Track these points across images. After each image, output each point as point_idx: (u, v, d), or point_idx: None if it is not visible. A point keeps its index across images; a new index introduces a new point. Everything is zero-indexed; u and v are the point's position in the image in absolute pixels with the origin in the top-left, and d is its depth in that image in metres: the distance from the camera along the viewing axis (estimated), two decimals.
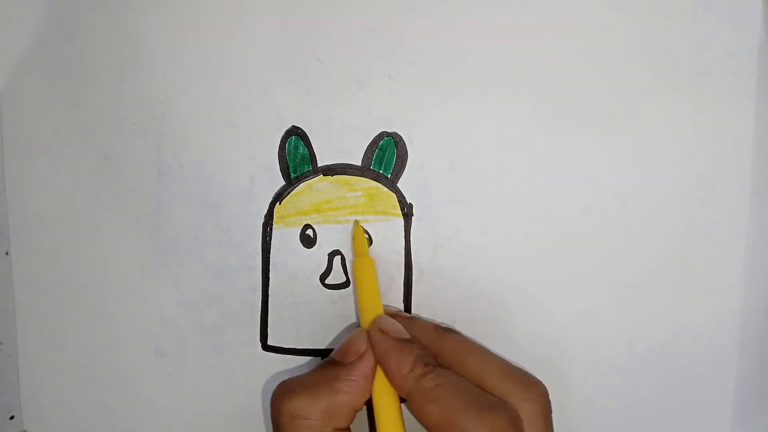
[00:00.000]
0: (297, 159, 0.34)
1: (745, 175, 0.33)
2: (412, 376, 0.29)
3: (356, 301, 0.34)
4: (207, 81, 0.34)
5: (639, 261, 0.34)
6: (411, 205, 0.34)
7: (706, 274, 0.34)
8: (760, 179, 0.33)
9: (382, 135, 0.33)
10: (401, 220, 0.34)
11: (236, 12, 0.33)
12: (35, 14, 0.34)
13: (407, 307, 0.34)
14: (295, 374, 0.34)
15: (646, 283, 0.34)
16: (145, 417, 0.35)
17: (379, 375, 0.30)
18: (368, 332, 0.31)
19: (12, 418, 0.35)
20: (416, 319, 0.33)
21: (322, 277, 0.34)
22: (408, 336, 0.31)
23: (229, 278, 0.34)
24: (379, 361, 0.30)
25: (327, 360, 0.31)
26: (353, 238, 0.34)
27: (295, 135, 0.34)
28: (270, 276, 0.34)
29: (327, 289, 0.34)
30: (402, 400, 0.30)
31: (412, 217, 0.34)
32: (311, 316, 0.34)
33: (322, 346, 0.34)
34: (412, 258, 0.34)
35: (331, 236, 0.34)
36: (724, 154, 0.33)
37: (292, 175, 0.34)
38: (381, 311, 0.32)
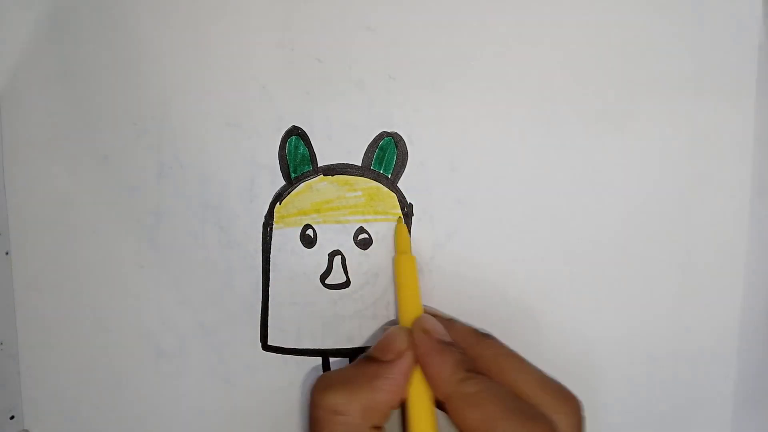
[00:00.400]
0: (297, 159, 0.34)
1: (745, 175, 0.33)
2: (453, 379, 0.28)
3: (395, 299, 0.34)
4: (207, 81, 0.34)
5: (639, 261, 0.34)
6: (411, 205, 0.34)
7: (706, 274, 0.34)
8: (760, 179, 0.33)
9: (382, 135, 0.33)
10: (402, 221, 0.34)
11: (236, 12, 0.33)
12: (35, 14, 0.34)
13: None
14: (294, 374, 0.34)
15: (646, 283, 0.34)
16: (145, 417, 0.35)
17: (416, 375, 0.30)
18: (409, 331, 0.31)
19: (12, 418, 0.35)
20: (455, 322, 0.33)
21: (323, 277, 0.34)
22: (449, 338, 0.30)
23: (229, 278, 0.34)
24: (420, 362, 0.30)
25: (365, 356, 0.31)
26: (396, 234, 0.33)
27: (296, 135, 0.34)
28: (270, 276, 0.34)
29: (327, 289, 0.34)
30: (436, 404, 0.30)
31: (412, 217, 0.34)
32: (311, 316, 0.34)
33: (323, 346, 0.34)
34: None
35: (332, 236, 0.34)
36: (724, 154, 0.33)
37: (293, 175, 0.34)
38: (421, 310, 0.32)
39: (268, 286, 0.34)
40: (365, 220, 0.34)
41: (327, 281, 0.34)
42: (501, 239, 0.34)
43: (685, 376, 0.34)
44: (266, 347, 0.34)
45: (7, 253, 0.35)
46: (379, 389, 0.29)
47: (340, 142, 0.34)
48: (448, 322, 0.32)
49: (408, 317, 0.31)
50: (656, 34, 0.33)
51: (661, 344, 0.34)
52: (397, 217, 0.34)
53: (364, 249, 0.34)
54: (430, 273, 0.34)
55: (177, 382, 0.35)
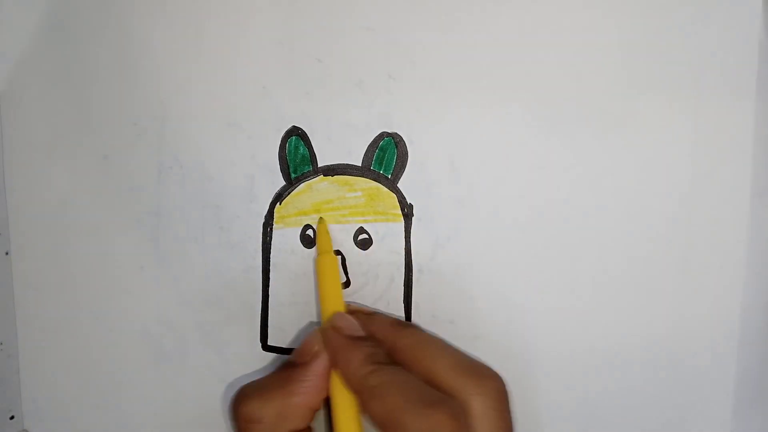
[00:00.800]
0: (297, 159, 0.34)
1: (745, 175, 0.33)
2: (359, 373, 0.29)
3: (317, 300, 0.34)
4: (207, 81, 0.34)
5: (639, 261, 0.34)
6: (411, 206, 0.34)
7: (706, 274, 0.34)
8: (760, 179, 0.33)
9: (382, 135, 0.33)
10: (402, 221, 0.34)
11: (236, 12, 0.33)
12: (35, 14, 0.34)
13: (407, 306, 0.34)
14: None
15: (647, 283, 0.34)
16: (145, 417, 0.35)
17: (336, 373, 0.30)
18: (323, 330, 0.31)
19: (12, 418, 0.35)
20: (376, 315, 0.33)
21: None
22: (362, 333, 0.31)
23: (229, 278, 0.34)
24: (331, 360, 0.30)
25: (285, 361, 0.31)
26: (317, 234, 0.34)
27: (296, 135, 0.34)
28: (270, 276, 0.34)
29: None
30: None
31: (412, 218, 0.34)
32: (311, 316, 0.34)
33: None
34: (412, 258, 0.34)
35: (332, 236, 0.34)
36: (724, 154, 0.33)
37: (293, 176, 0.34)
38: (342, 309, 0.32)
39: (268, 286, 0.34)
40: (365, 221, 0.34)
41: None
42: (501, 239, 0.34)
43: (685, 376, 0.34)
44: (266, 347, 0.34)
45: (7, 253, 0.35)
46: (293, 393, 0.29)
47: (340, 143, 0.34)
48: (368, 317, 0.32)
49: (329, 316, 0.32)
50: (656, 34, 0.33)
51: (661, 344, 0.34)
52: (318, 217, 0.34)
53: (364, 249, 0.34)
54: (430, 273, 0.34)
55: (177, 382, 0.35)
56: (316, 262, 0.33)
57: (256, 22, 0.33)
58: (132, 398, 0.35)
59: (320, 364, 0.30)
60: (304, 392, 0.29)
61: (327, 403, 0.31)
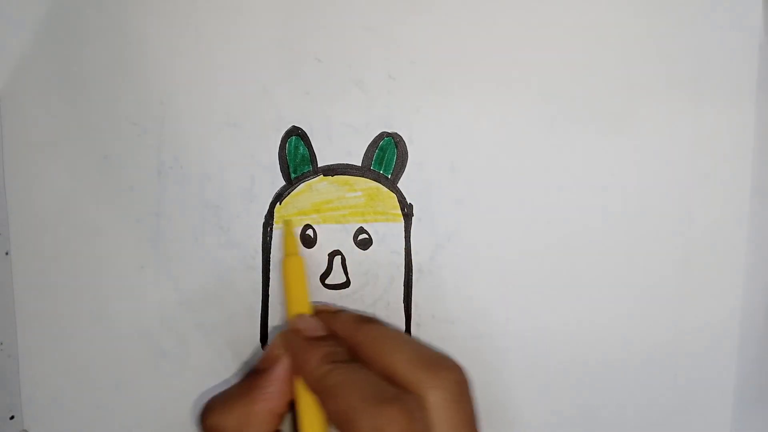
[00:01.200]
0: (297, 159, 0.34)
1: (745, 174, 0.33)
2: (316, 373, 0.28)
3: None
4: (207, 81, 0.34)
5: (639, 261, 0.34)
6: (411, 206, 0.34)
7: (706, 274, 0.34)
8: (760, 179, 0.33)
9: (382, 135, 0.33)
10: (401, 221, 0.34)
11: (236, 12, 0.33)
12: (35, 14, 0.33)
13: (407, 307, 0.34)
14: None
15: (647, 283, 0.34)
16: (145, 417, 0.35)
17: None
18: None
19: (12, 418, 0.35)
20: (340, 313, 0.33)
21: (322, 278, 0.34)
22: (322, 333, 0.31)
23: (229, 278, 0.34)
24: (292, 362, 0.30)
25: (250, 368, 0.32)
26: (283, 236, 0.34)
27: (296, 135, 0.34)
28: (270, 276, 0.34)
29: (327, 289, 0.34)
30: None
31: (412, 217, 0.34)
32: None
33: None
34: (412, 258, 0.34)
35: (332, 236, 0.34)
36: (724, 154, 0.33)
37: (293, 176, 0.34)
38: (307, 310, 0.32)
39: (268, 286, 0.34)
40: (365, 221, 0.34)
41: (327, 281, 0.34)
42: (501, 239, 0.34)
43: (685, 376, 0.34)
44: (266, 347, 0.34)
45: (7, 253, 0.35)
46: (255, 400, 0.29)
47: (340, 143, 0.34)
48: (333, 315, 0.32)
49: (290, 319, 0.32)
50: (656, 34, 0.33)
51: (661, 344, 0.34)
52: (282, 220, 0.34)
53: (364, 249, 0.34)
54: (430, 273, 0.34)
55: (177, 382, 0.35)
56: (282, 263, 0.33)
57: (256, 22, 0.33)
58: (132, 398, 0.35)
59: (281, 368, 0.30)
60: (266, 398, 0.30)
61: (293, 407, 0.31)
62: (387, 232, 0.34)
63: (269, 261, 0.34)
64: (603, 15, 0.33)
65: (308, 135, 0.34)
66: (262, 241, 0.34)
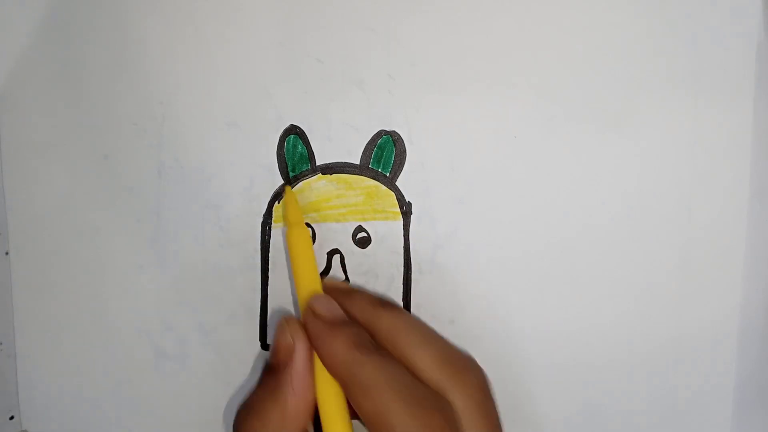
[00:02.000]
0: (296, 158, 0.34)
1: (744, 174, 0.33)
2: (345, 363, 0.27)
3: (291, 278, 0.33)
4: (207, 81, 0.34)
5: (639, 260, 0.34)
6: (410, 204, 0.34)
7: (705, 274, 0.34)
8: (759, 178, 0.33)
9: (380, 134, 0.33)
10: (400, 219, 0.34)
11: (236, 12, 0.33)
12: (35, 14, 0.34)
13: (407, 306, 0.34)
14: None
15: (646, 283, 0.34)
16: (145, 417, 0.35)
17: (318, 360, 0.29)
18: (294, 320, 0.29)
19: (11, 418, 0.35)
20: (356, 293, 0.31)
21: (321, 276, 0.34)
22: (343, 315, 0.29)
23: (228, 278, 0.34)
24: (313, 347, 0.28)
25: (265, 366, 0.30)
26: (284, 204, 0.32)
27: (294, 134, 0.34)
28: (269, 275, 0.34)
29: None
30: None
31: (411, 216, 0.34)
32: None
33: None
34: (412, 257, 0.34)
35: (330, 235, 0.34)
36: (723, 153, 0.33)
37: (291, 174, 0.34)
38: (318, 288, 0.30)
39: (268, 285, 0.34)
40: (364, 219, 0.34)
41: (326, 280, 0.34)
42: (501, 239, 0.34)
43: (685, 376, 0.34)
44: (266, 347, 0.34)
45: (6, 253, 0.35)
46: (285, 400, 0.28)
47: (338, 141, 0.34)
48: (348, 295, 0.31)
49: (304, 299, 0.30)
50: (654, 34, 0.33)
51: (660, 344, 0.34)
52: (284, 185, 0.32)
53: (363, 248, 0.34)
54: (430, 273, 0.34)
55: (177, 382, 0.35)
56: (286, 235, 0.31)
57: (256, 22, 0.33)
58: (132, 398, 0.35)
59: (300, 359, 0.28)
60: (296, 394, 0.28)
61: None
62: (386, 231, 0.34)
63: (268, 260, 0.34)
64: (602, 15, 0.33)
65: (307, 134, 0.34)
66: (261, 240, 0.34)
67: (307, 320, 0.29)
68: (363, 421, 0.27)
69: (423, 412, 0.26)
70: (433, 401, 0.26)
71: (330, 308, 0.29)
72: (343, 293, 0.31)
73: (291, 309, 0.34)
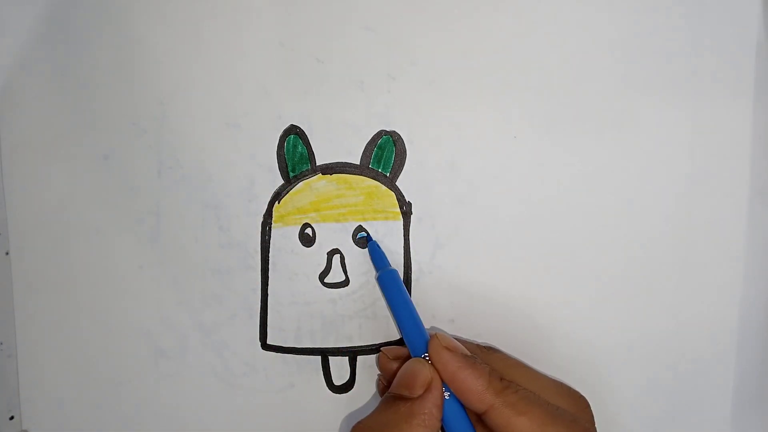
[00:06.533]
0: (296, 158, 0.34)
1: (743, 173, 0.33)
2: (492, 389, 0.28)
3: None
4: (207, 81, 0.34)
5: (638, 260, 0.34)
6: (410, 204, 0.34)
7: (705, 273, 0.34)
8: (758, 178, 0.33)
9: (380, 134, 0.33)
10: (400, 219, 0.34)
11: (236, 12, 0.33)
12: (35, 14, 0.34)
13: None
14: (294, 373, 0.34)
15: (646, 282, 0.34)
16: (145, 417, 0.35)
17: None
18: (425, 361, 0.30)
19: (12, 418, 0.35)
20: (460, 338, 0.33)
21: (321, 276, 0.34)
22: (468, 352, 0.30)
23: (228, 278, 0.34)
24: (449, 380, 0.29)
25: (390, 395, 0.30)
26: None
27: (294, 134, 0.34)
28: (269, 275, 0.34)
29: (326, 288, 0.34)
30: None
31: (412, 216, 0.34)
32: (311, 315, 0.34)
33: (322, 345, 0.34)
34: (412, 257, 0.34)
35: (330, 235, 0.34)
36: (722, 153, 0.33)
37: (291, 174, 0.34)
38: (424, 330, 0.32)
39: (267, 285, 0.34)
40: (364, 219, 0.34)
41: (326, 280, 0.34)
42: (501, 238, 0.34)
43: (685, 376, 0.34)
44: (266, 346, 0.34)
45: (6, 253, 0.35)
46: (417, 428, 0.29)
47: (339, 141, 0.34)
48: (457, 338, 0.32)
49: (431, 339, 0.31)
50: (654, 34, 0.33)
51: (660, 344, 0.34)
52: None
53: (363, 248, 0.34)
54: (430, 273, 0.34)
55: (177, 382, 0.35)
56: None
57: (256, 22, 0.33)
58: (132, 398, 0.35)
59: (436, 393, 0.29)
60: (428, 425, 0.29)
61: None
62: (386, 231, 0.34)
63: (268, 260, 0.34)
64: (601, 15, 0.33)
65: (307, 134, 0.34)
66: (261, 241, 0.34)
67: (442, 355, 0.30)
68: None
69: (574, 426, 0.28)
70: (577, 420, 0.29)
71: (459, 345, 0.31)
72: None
73: (291, 309, 0.34)
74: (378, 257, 0.33)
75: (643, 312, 0.34)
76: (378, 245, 0.33)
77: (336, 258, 0.34)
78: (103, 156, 0.34)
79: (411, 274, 0.34)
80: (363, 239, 0.34)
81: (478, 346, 0.32)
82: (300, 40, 0.33)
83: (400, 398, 0.30)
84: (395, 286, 0.32)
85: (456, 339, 0.31)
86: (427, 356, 0.30)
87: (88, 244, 0.35)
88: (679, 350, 0.34)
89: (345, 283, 0.34)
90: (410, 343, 0.31)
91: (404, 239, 0.34)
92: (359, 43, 0.33)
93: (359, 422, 0.30)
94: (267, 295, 0.34)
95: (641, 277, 0.34)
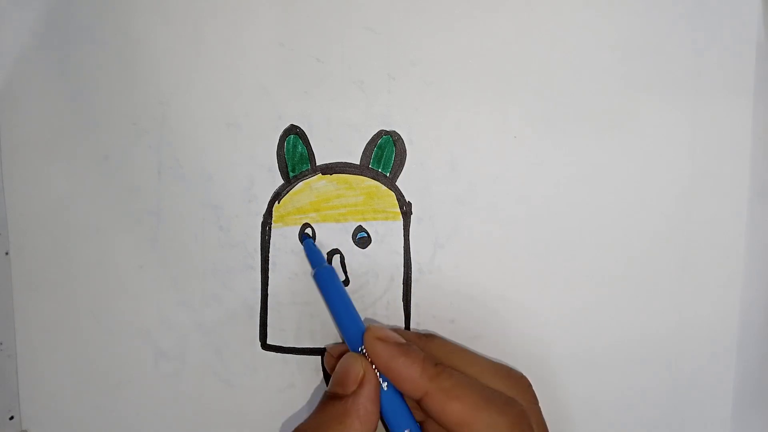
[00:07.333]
0: (296, 158, 0.34)
1: (743, 173, 0.33)
2: (426, 375, 0.28)
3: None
4: (207, 81, 0.34)
5: (638, 260, 0.34)
6: (410, 204, 0.34)
7: (705, 273, 0.34)
8: (758, 177, 0.33)
9: (380, 133, 0.33)
10: (400, 219, 0.34)
11: (236, 12, 0.33)
12: (35, 14, 0.34)
13: (407, 305, 0.34)
14: (294, 373, 0.34)
15: (646, 282, 0.34)
16: (145, 417, 0.35)
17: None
18: (358, 355, 0.30)
19: (11, 418, 0.35)
20: (398, 330, 0.33)
21: None
22: (404, 340, 0.30)
23: (228, 278, 0.34)
24: (384, 370, 0.29)
25: (327, 394, 0.30)
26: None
27: (294, 134, 0.34)
28: (269, 275, 0.34)
29: None
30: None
31: (412, 216, 0.34)
32: (310, 315, 0.34)
33: (322, 345, 0.34)
34: (412, 257, 0.34)
35: (330, 235, 0.34)
36: (722, 153, 0.33)
37: (291, 174, 0.34)
38: (361, 322, 0.31)
39: (267, 285, 0.34)
40: (364, 219, 0.34)
41: None
42: (501, 238, 0.34)
43: (685, 375, 0.34)
44: (266, 346, 0.34)
45: (6, 253, 0.35)
46: (352, 427, 0.28)
47: (339, 141, 0.34)
48: (394, 329, 0.32)
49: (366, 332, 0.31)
50: (655, 33, 0.33)
51: (660, 344, 0.34)
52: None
53: (363, 248, 0.34)
54: (430, 273, 0.34)
55: (177, 382, 0.35)
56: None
57: (256, 22, 0.33)
58: (132, 398, 0.35)
59: (369, 386, 0.29)
60: (365, 420, 0.29)
61: None
62: (386, 231, 0.34)
63: (268, 260, 0.34)
64: (600, 15, 0.33)
65: (307, 134, 0.34)
66: (261, 240, 0.34)
67: (375, 346, 0.30)
68: (446, 426, 0.28)
69: (508, 408, 0.28)
70: (512, 402, 0.28)
71: (392, 334, 0.30)
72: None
73: (291, 309, 0.34)
74: (313, 255, 0.33)
75: (643, 312, 0.34)
76: (313, 243, 0.34)
77: (336, 258, 0.34)
78: (103, 156, 0.34)
79: (411, 274, 0.34)
80: (363, 239, 0.34)
81: (417, 334, 0.32)
82: (300, 40, 0.33)
83: (335, 397, 0.30)
84: (331, 282, 0.32)
85: (393, 330, 0.31)
86: (364, 349, 0.30)
87: (88, 244, 0.35)
88: (678, 350, 0.34)
89: (345, 283, 0.34)
90: (348, 338, 0.31)
91: (404, 239, 0.34)
92: (359, 43, 0.33)
93: (298, 426, 0.29)
94: (267, 295, 0.34)
95: (641, 277, 0.34)
